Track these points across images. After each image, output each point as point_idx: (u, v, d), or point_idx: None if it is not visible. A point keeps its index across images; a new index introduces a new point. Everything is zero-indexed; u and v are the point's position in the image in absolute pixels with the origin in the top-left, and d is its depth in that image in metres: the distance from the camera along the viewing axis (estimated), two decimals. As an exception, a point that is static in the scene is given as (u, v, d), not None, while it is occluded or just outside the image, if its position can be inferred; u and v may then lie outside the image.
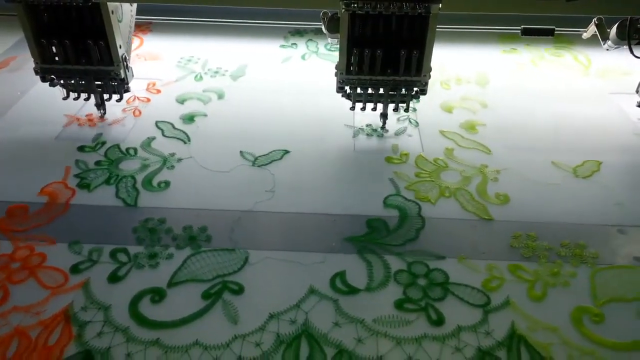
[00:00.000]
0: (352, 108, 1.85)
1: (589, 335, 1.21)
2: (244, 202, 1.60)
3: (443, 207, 1.59)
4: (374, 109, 1.85)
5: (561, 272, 1.37)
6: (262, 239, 1.47)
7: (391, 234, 1.49)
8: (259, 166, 1.76)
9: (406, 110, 1.85)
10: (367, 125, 1.96)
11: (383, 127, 1.92)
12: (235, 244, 1.45)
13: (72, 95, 1.89)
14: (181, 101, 2.12)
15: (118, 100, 1.89)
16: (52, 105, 2.04)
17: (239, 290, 1.32)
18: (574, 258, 1.41)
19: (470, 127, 1.95)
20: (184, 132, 1.92)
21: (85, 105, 2.03)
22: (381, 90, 1.78)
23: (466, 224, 1.53)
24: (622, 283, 1.34)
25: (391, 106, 1.82)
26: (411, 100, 1.80)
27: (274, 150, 1.82)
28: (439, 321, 1.24)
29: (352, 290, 1.32)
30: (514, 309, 1.27)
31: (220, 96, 2.15)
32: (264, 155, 1.80)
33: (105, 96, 1.90)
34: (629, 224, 1.52)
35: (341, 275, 1.36)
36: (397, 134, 1.92)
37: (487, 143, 1.85)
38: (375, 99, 1.80)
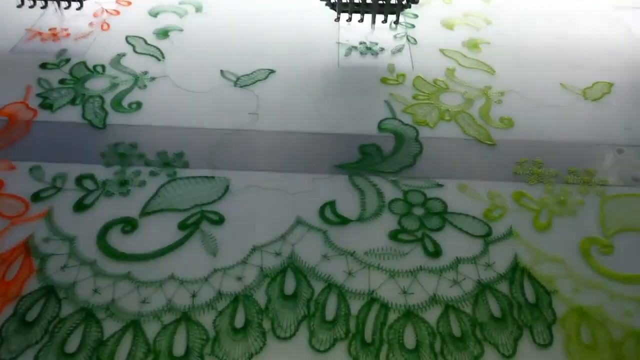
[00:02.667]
0: (337, 19, 1.66)
1: (597, 267, 1.12)
2: (225, 124, 1.45)
3: (443, 132, 1.46)
4: (361, 20, 1.66)
5: (568, 200, 1.27)
6: (244, 165, 1.34)
7: (386, 160, 1.36)
8: (241, 87, 1.59)
9: (396, 22, 1.66)
10: (360, 43, 1.78)
11: (372, 25, 1.68)
12: (215, 170, 1.32)
13: (28, 3, 1.67)
14: (154, 14, 1.90)
15: (78, 9, 1.68)
16: (7, 17, 1.82)
17: (219, 220, 1.21)
18: (582, 185, 1.30)
19: (473, 45, 1.77)
20: (157, 49, 1.73)
21: (45, 16, 1.81)
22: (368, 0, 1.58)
23: (467, 149, 1.41)
24: (632, 212, 1.24)
25: (381, 18, 1.64)
26: (402, 10, 1.61)
27: (258, 70, 1.65)
28: (436, 253, 1.15)
29: (343, 221, 1.21)
30: (517, 240, 1.18)
31: (198, 9, 1.93)
32: (246, 75, 1.63)
33: (64, 4, 1.68)
34: (641, 150, 1.41)
35: (331, 204, 1.25)
36: (394, 52, 1.75)
37: (491, 63, 1.69)
38: (362, 9, 1.61)
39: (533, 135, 1.45)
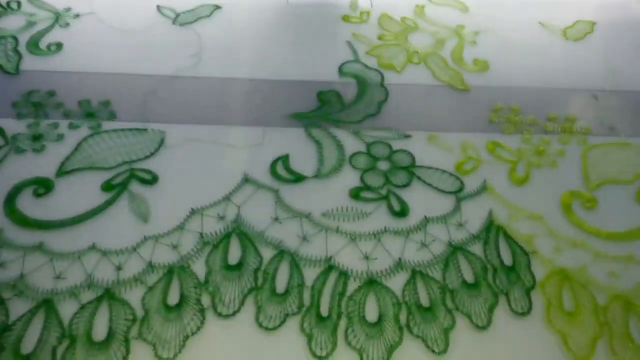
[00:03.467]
0: None
1: (579, 224, 1.01)
2: (161, 69, 1.25)
3: (411, 76, 1.29)
4: None
5: (548, 150, 1.14)
6: (183, 116, 1.15)
7: (347, 109, 1.20)
8: (181, 24, 1.38)
9: None
10: (319, -23, 1.58)
11: None
12: (148, 121, 1.14)
13: None
14: (81, -57, 1.64)
15: None
16: None
17: (151, 180, 1.03)
18: (562, 134, 1.18)
19: (445, -21, 1.59)
20: (83, -18, 1.49)
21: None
22: None
23: (438, 95, 1.25)
24: (617, 162, 1.13)
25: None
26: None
27: (201, 5, 1.43)
28: (403, 212, 1.01)
29: (297, 178, 1.06)
30: (492, 195, 1.05)
31: (133, -62, 1.67)
32: (188, 11, 1.41)
33: None
34: (625, 91, 1.28)
35: (284, 159, 1.09)
36: (356, -13, 1.55)
37: (465, -1, 1.52)
38: None
39: (509, 79, 1.31)
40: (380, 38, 1.39)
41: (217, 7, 1.43)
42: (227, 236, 0.95)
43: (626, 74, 1.34)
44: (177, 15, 1.40)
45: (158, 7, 1.42)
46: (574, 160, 1.13)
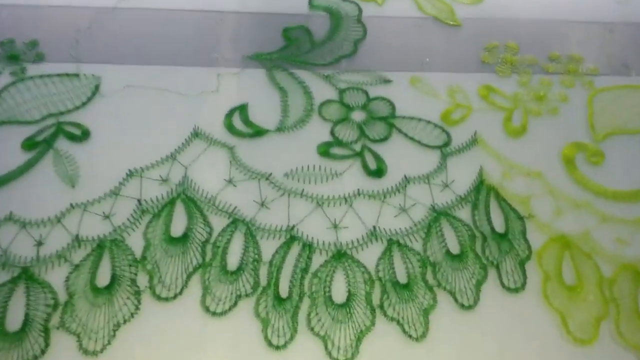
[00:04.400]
0: None
1: (583, 181, 0.87)
2: (98, 2, 1.05)
3: (393, 8, 1.11)
4: None
5: (548, 95, 0.98)
6: (122, 56, 0.97)
7: (318, 48, 1.02)
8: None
9: None
10: None
11: None
12: (82, 64, 0.96)
13: None
14: None
15: None
16: None
17: (81, 135, 0.87)
18: (566, 75, 1.02)
19: None
20: None
21: None
22: None
23: (424, 32, 1.07)
24: (628, 108, 0.98)
25: None
26: None
27: None
28: (379, 171, 0.87)
29: (257, 132, 0.90)
30: (483, 150, 0.90)
31: None
32: None
33: None
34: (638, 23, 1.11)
35: (242, 110, 0.92)
36: None
37: None
38: None
39: (507, 11, 1.12)
40: (358, -36, 1.19)
41: None
42: (170, 203, 0.81)
43: (637, 4, 1.16)
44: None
45: None
46: (578, 107, 0.97)
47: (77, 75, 0.94)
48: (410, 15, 1.10)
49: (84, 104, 0.91)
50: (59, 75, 0.94)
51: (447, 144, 0.90)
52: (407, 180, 0.86)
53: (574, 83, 1.00)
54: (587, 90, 1.00)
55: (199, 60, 0.98)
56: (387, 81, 0.99)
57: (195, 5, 1.06)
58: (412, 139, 0.91)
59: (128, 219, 0.79)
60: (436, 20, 1.09)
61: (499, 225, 0.82)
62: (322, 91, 0.96)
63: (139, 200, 0.81)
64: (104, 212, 0.79)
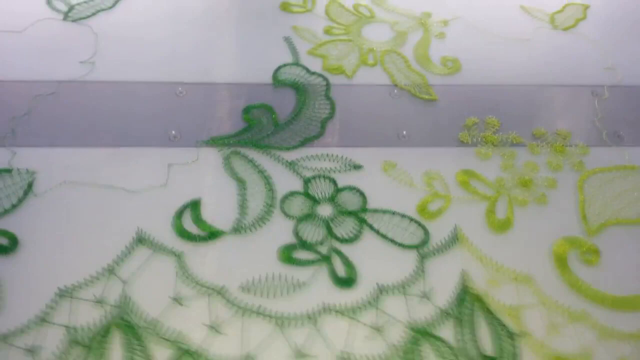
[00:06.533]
0: None
1: (578, 286, 0.77)
2: (40, 85, 0.96)
3: (364, 83, 1.03)
4: None
5: (534, 180, 0.90)
6: (62, 141, 0.88)
7: (281, 130, 0.93)
8: (74, 20, 1.08)
9: None
10: (255, -46, 1.28)
11: None
12: (17, 154, 0.85)
13: None
14: None
15: None
16: None
17: (9, 246, 0.76)
18: (553, 155, 0.93)
19: (408, -46, 1.31)
20: (-49, -35, 1.17)
21: None
22: None
23: (398, 108, 0.99)
24: (622, 194, 0.89)
25: None
26: None
27: (101, -6, 1.13)
28: (349, 280, 0.76)
29: (211, 234, 0.79)
30: (465, 249, 0.81)
31: None
32: (84, 2, 1.12)
33: None
34: (628, 86, 1.04)
35: (194, 206, 0.82)
36: (300, -34, 1.26)
37: (432, -21, 1.25)
38: None
39: (486, 82, 1.05)
40: (327, 32, 1.11)
41: (122, -5, 1.14)
42: (105, 331, 0.69)
43: (626, 67, 1.09)
44: (71, 7, 1.10)
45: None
46: (568, 194, 0.88)
47: (9, 170, 0.84)
48: (383, 89, 1.02)
49: (14, 206, 0.80)
50: (-12, 171, 0.83)
51: (424, 242, 0.81)
52: (380, 290, 0.76)
53: (562, 165, 0.92)
54: (576, 172, 0.91)
55: (146, 144, 0.88)
56: (357, 167, 0.89)
57: (148, 76, 0.97)
58: (385, 236, 0.81)
59: (55, 353, 0.67)
60: (411, 94, 1.01)
61: (488, 346, 0.71)
62: (285, 180, 0.87)
63: (67, 328, 0.69)
64: (25, 345, 0.67)
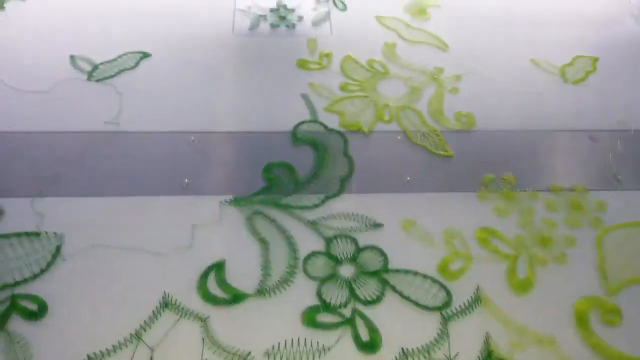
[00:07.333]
0: None
1: (601, 349, 0.78)
2: (65, 149, 0.99)
3: (380, 139, 1.05)
4: None
5: (554, 237, 0.91)
6: (88, 211, 0.90)
7: (301, 188, 0.95)
8: (98, 80, 1.12)
9: None
10: (272, 11, 1.33)
11: None
12: (42, 222, 0.88)
13: None
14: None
15: None
16: None
17: (38, 311, 0.77)
18: (571, 212, 0.95)
19: (419, 10, 1.35)
20: (-19, 27, 1.22)
21: None
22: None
23: (414, 165, 1.01)
24: (640, 251, 0.90)
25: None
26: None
27: (125, 54, 1.17)
28: (373, 344, 0.77)
29: (235, 297, 0.81)
30: (488, 310, 0.81)
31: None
32: (107, 62, 1.16)
33: None
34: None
35: (218, 269, 0.84)
36: (316, 23, 1.31)
37: (443, 34, 1.28)
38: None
39: (500, 136, 1.07)
40: (343, 88, 1.14)
41: (145, 54, 1.17)
42: (133, 399, 0.70)
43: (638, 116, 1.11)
44: (95, 67, 1.14)
45: (72, 58, 1.15)
46: (587, 251, 0.89)
47: (37, 234, 0.86)
48: (400, 146, 1.04)
49: (42, 271, 0.82)
50: (17, 235, 0.85)
51: (447, 304, 0.81)
52: (405, 354, 0.76)
53: (580, 222, 0.93)
54: (594, 229, 0.92)
55: (171, 211, 0.90)
56: (377, 225, 0.91)
57: (169, 140, 1.00)
58: (408, 298, 0.82)
59: None
60: (427, 150, 1.03)
61: (512, 412, 0.71)
62: (308, 240, 0.88)
63: (96, 398, 0.70)
64: (54, 417, 0.68)
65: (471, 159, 1.03)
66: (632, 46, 1.29)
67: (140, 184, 0.94)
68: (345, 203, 0.94)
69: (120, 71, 1.14)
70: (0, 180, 0.93)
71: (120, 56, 1.17)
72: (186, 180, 0.94)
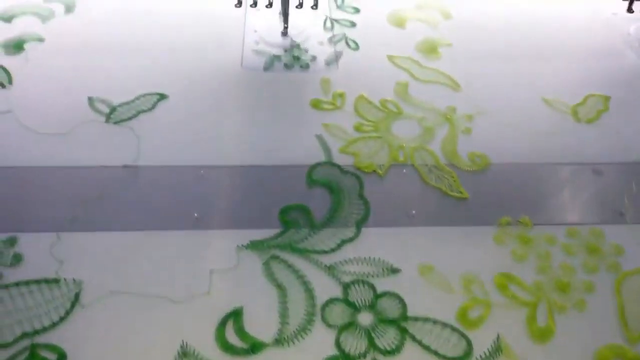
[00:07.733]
0: (239, 4, 1.36)
1: (626, 403, 0.77)
2: (84, 192, 1.00)
3: (395, 181, 1.06)
4: (270, 4, 1.40)
5: (573, 283, 0.90)
6: (105, 255, 0.90)
7: (317, 232, 0.96)
8: (116, 122, 1.14)
9: (314, 6, 1.40)
10: (286, 51, 1.35)
11: (285, 33, 1.38)
12: (60, 268, 0.88)
13: None
14: (8, 18, 1.40)
15: None
16: None
17: (57, 362, 0.78)
18: (589, 256, 0.94)
19: (430, 49, 1.37)
20: (3, 69, 1.25)
21: None
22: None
23: (430, 207, 1.02)
24: (661, 297, 0.89)
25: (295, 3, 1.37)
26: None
27: (142, 95, 1.19)
28: (393, 397, 0.76)
29: (253, 348, 0.80)
30: None
31: (69, 8, 1.44)
32: (125, 103, 1.18)
33: None
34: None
35: (236, 316, 0.84)
36: (329, 63, 1.33)
37: (454, 73, 1.30)
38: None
39: (515, 177, 1.08)
40: (357, 129, 1.16)
41: (162, 96, 1.20)
42: None
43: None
44: (113, 109, 1.16)
45: (90, 100, 1.17)
46: (606, 297, 0.89)
47: (57, 281, 0.86)
48: (415, 187, 1.05)
49: (62, 319, 0.82)
50: (37, 282, 0.86)
51: (467, 354, 0.81)
52: (425, 408, 0.75)
53: (598, 267, 0.92)
54: (613, 274, 0.92)
55: (189, 257, 0.91)
56: (394, 270, 0.91)
57: (188, 186, 1.01)
58: (428, 348, 0.81)
59: None
60: (441, 192, 1.04)
61: None
62: (325, 286, 0.88)
63: None
64: None
65: (486, 200, 1.03)
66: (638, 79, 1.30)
67: (153, 217, 0.95)
68: (362, 246, 0.94)
69: (138, 113, 1.16)
70: (29, 240, 0.93)
71: (138, 97, 1.19)
72: (196, 215, 0.95)
